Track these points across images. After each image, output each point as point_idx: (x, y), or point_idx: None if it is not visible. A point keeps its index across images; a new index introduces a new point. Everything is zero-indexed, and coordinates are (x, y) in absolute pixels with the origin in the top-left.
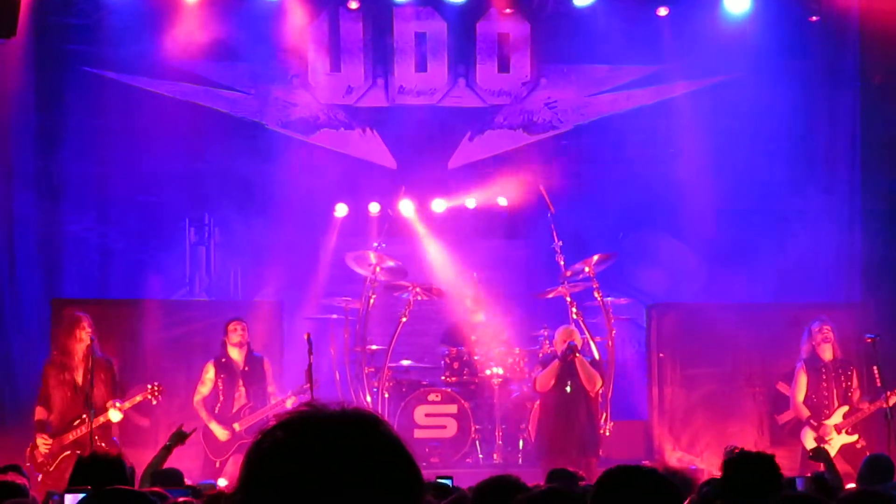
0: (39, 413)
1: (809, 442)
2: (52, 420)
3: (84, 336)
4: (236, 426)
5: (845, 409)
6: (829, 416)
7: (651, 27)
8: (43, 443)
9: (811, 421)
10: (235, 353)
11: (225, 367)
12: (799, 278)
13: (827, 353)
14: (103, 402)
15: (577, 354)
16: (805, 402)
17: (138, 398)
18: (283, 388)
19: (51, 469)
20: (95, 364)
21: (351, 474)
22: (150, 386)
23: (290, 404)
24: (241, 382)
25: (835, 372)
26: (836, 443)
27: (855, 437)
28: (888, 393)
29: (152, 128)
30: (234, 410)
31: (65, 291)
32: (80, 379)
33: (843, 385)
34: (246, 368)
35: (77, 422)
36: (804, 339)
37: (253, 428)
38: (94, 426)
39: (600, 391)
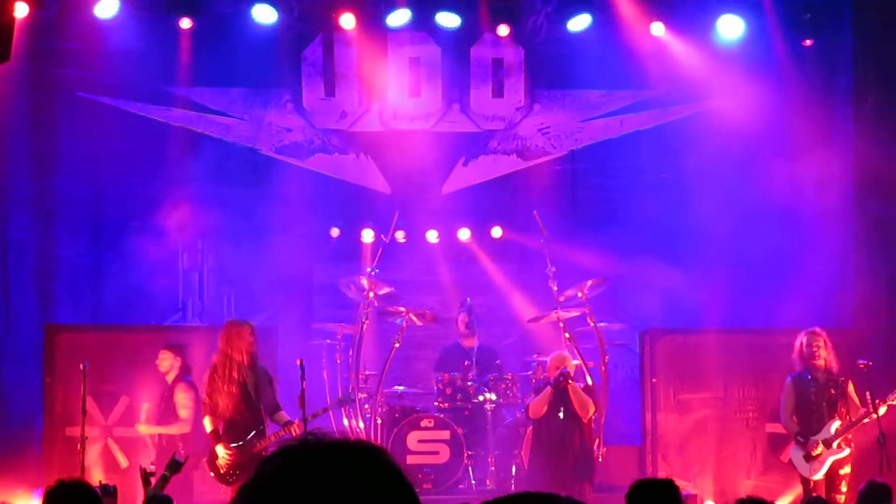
0: (211, 423)
1: (798, 460)
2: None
3: (246, 345)
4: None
5: (837, 423)
6: (818, 431)
7: (645, 53)
8: (224, 453)
9: (798, 437)
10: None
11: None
12: (792, 303)
13: (819, 365)
14: (269, 413)
15: (570, 381)
16: (795, 416)
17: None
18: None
19: (236, 480)
20: (260, 374)
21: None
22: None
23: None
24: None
25: (825, 385)
26: (824, 458)
27: (846, 453)
28: (878, 402)
29: (146, 153)
30: None
31: (58, 316)
32: (247, 389)
33: (834, 398)
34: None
35: (256, 433)
36: (795, 351)
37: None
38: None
39: (593, 417)
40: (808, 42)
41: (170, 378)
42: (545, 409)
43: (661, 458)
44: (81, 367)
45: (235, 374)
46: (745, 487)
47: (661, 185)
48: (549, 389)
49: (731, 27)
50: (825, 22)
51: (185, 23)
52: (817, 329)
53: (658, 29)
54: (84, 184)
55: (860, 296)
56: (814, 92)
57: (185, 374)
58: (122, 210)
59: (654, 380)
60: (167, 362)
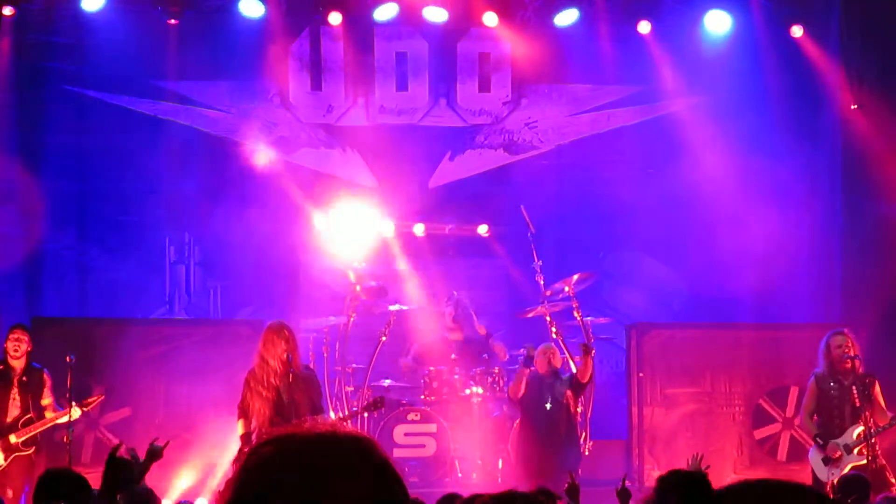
0: (242, 426)
1: (816, 462)
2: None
3: (280, 351)
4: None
5: (860, 428)
6: (838, 435)
7: (632, 47)
8: None
9: (818, 439)
10: (15, 363)
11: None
12: (779, 298)
13: (845, 367)
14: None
15: (591, 351)
16: (815, 418)
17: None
18: None
19: None
20: (298, 380)
21: (339, 495)
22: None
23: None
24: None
25: (849, 386)
26: (844, 464)
27: (866, 461)
28: None
29: (132, 146)
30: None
31: (45, 310)
32: (281, 394)
33: (858, 402)
34: (24, 378)
35: None
36: (821, 351)
37: (29, 441)
38: None
39: (580, 410)
40: (795, 35)
41: (20, 362)
42: (523, 387)
43: (647, 453)
44: (68, 359)
45: (270, 380)
46: (732, 482)
47: (648, 180)
48: (523, 369)
49: (718, 22)
50: (813, 14)
51: (173, 16)
52: (845, 330)
53: (645, 25)
54: (71, 177)
55: (848, 291)
56: (802, 85)
57: (33, 360)
58: (108, 203)
59: (640, 374)
60: (24, 345)
